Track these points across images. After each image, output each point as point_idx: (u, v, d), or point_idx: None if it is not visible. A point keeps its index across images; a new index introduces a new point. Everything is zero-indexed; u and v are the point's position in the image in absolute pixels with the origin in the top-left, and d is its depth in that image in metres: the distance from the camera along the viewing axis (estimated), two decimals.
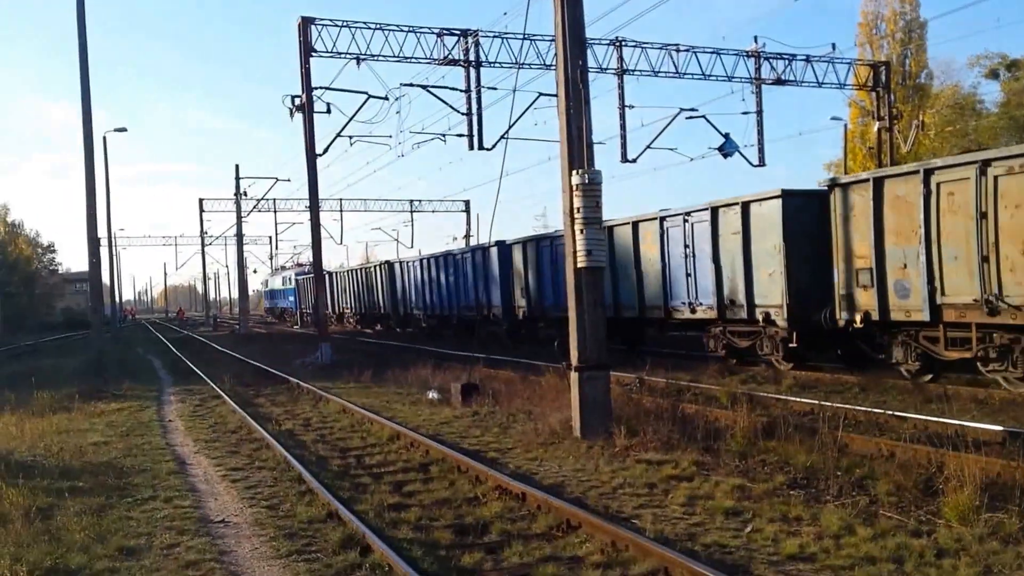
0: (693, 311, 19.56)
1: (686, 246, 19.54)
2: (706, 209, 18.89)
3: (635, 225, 21.34)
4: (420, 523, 7.59)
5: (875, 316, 15.29)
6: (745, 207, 17.84)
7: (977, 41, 77.83)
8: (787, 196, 17.18)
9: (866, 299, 15.46)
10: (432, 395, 15.85)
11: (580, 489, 8.62)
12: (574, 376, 11.24)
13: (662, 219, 20.33)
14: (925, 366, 15.10)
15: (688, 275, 19.56)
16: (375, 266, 44.59)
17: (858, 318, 15.63)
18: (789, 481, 8.39)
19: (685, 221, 19.55)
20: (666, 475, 8.84)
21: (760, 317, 17.60)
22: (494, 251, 28.74)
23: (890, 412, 11.58)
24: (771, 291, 17.32)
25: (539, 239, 26.70)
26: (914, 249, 14.48)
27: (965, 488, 7.09)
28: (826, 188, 16.36)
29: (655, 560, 6.18)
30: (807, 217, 16.96)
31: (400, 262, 40.26)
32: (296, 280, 65.38)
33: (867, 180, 15.48)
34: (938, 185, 14.09)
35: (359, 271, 46.89)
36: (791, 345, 17.27)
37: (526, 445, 11.00)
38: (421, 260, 36.66)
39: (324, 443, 12.09)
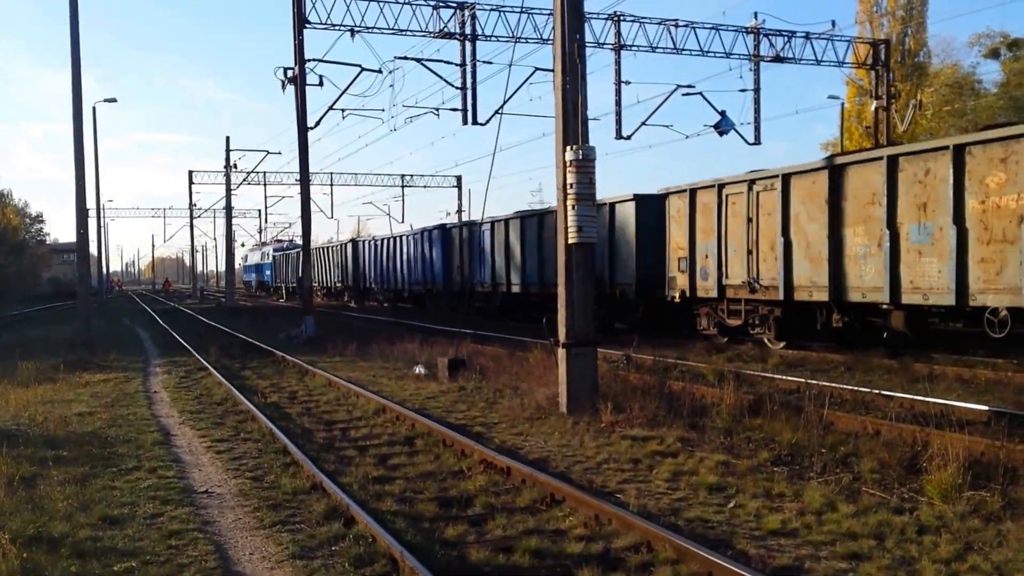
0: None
1: None
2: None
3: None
4: (404, 496, 7.59)
5: (688, 293, 20.00)
6: (612, 206, 22.74)
7: (979, 19, 77.74)
8: (639, 199, 22.03)
9: (683, 280, 20.09)
10: (419, 370, 15.84)
11: (565, 464, 8.63)
12: (561, 352, 11.24)
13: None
14: (721, 331, 19.59)
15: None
16: (341, 244, 49.27)
17: (677, 295, 20.38)
18: (773, 458, 8.43)
19: None
20: (651, 451, 8.87)
21: (618, 292, 22.67)
22: (436, 233, 34.31)
23: (876, 391, 11.64)
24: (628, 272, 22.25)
25: (471, 223, 31.93)
26: (712, 243, 19.04)
27: (948, 466, 7.14)
28: (663, 195, 20.91)
29: (638, 534, 6.20)
30: (653, 216, 21.39)
31: (361, 241, 45.04)
32: (273, 255, 68.72)
33: (685, 191, 19.97)
34: (727, 196, 18.69)
35: (330, 248, 50.39)
36: (638, 315, 22.23)
37: (512, 420, 11.01)
38: (375, 240, 41.89)
39: (309, 416, 12.08)
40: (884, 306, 15.23)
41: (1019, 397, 11.37)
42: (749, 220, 17.97)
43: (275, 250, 69.72)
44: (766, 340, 18.10)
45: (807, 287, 16.61)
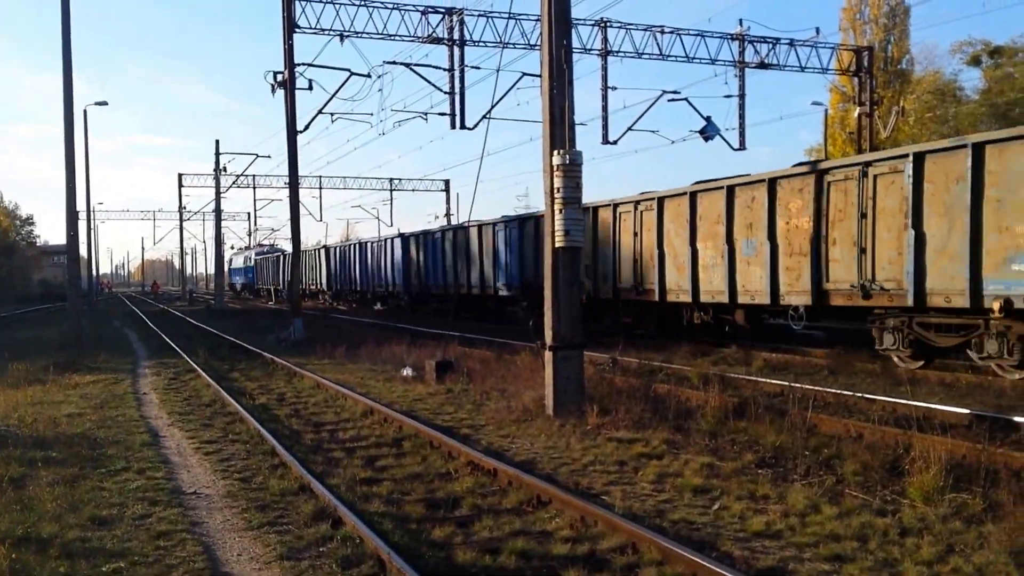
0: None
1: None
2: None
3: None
4: (392, 497, 7.63)
5: (592, 295, 21.90)
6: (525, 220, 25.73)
7: (961, 27, 78.35)
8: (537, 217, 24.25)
9: (588, 285, 21.63)
10: (407, 372, 15.88)
11: (551, 466, 8.69)
12: (548, 355, 11.31)
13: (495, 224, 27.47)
14: (617, 328, 21.29)
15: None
16: (315, 249, 52.60)
17: (583, 297, 21.26)
18: (757, 460, 8.50)
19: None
20: (636, 453, 8.94)
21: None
22: (397, 241, 37.28)
23: (859, 394, 11.74)
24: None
25: (427, 232, 34.58)
26: (610, 252, 21.45)
27: (930, 469, 7.21)
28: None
29: (624, 536, 6.26)
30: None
31: (332, 247, 48.56)
32: (255, 259, 72.18)
33: (588, 208, 21.34)
34: (620, 213, 21.06)
35: (305, 253, 52.82)
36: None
37: (499, 422, 11.06)
38: (342, 246, 45.76)
39: (298, 417, 12.11)
40: (727, 305, 18.18)
41: (999, 401, 11.49)
42: (635, 234, 20.65)
43: (257, 254, 72.91)
44: (647, 333, 21.07)
45: (675, 290, 19.44)
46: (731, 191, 17.63)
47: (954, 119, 41.65)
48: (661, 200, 19.77)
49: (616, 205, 21.29)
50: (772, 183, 16.61)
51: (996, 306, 12.57)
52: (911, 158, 13.85)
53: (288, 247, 66.24)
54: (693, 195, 18.77)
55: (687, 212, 18.84)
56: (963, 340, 13.81)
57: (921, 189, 13.69)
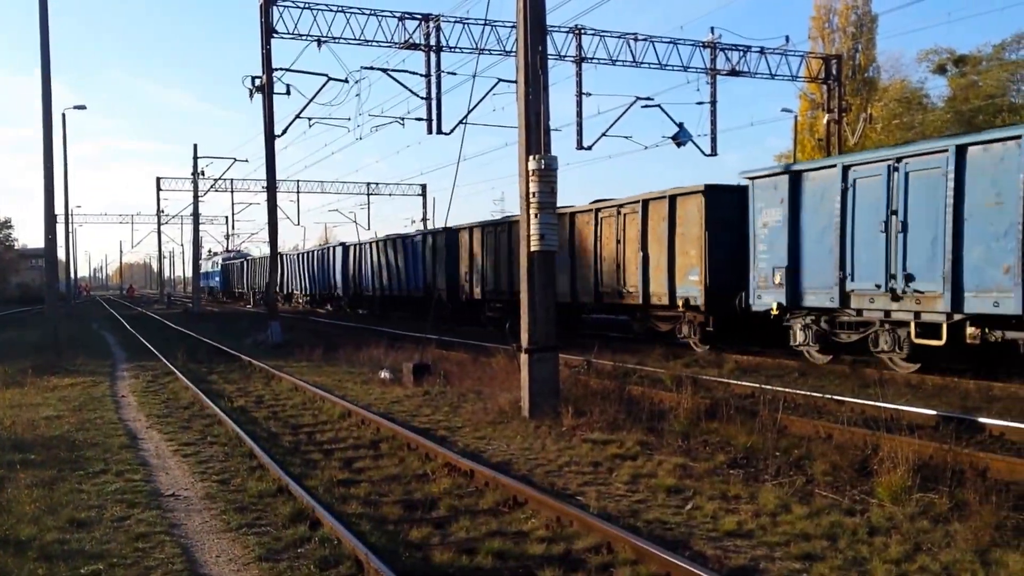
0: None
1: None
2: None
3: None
4: (370, 498, 7.68)
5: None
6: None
7: (927, 36, 79.42)
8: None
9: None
10: (384, 374, 15.92)
11: (527, 467, 8.77)
12: (524, 358, 11.40)
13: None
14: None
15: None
16: (292, 254, 55.45)
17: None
18: (729, 461, 8.62)
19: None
20: (611, 454, 9.03)
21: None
22: (338, 249, 42.35)
23: (828, 396, 11.91)
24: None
25: (361, 244, 38.97)
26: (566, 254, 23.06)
27: (898, 469, 7.33)
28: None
29: (598, 536, 6.33)
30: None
31: (286, 254, 52.67)
32: (223, 264, 78.41)
33: (563, 214, 22.65)
34: (601, 219, 22.16)
35: (283, 257, 55.30)
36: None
37: (475, 424, 11.14)
38: (294, 254, 50.88)
39: (276, 420, 12.13)
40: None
41: (965, 402, 11.69)
42: (610, 238, 22.49)
43: (224, 260, 79.16)
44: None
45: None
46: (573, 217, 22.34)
47: (921, 126, 42.22)
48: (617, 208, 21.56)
49: (564, 214, 22.72)
50: (597, 212, 22.04)
51: (681, 303, 18.97)
52: (640, 203, 20.15)
53: (259, 251, 73.31)
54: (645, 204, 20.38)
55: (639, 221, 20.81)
56: (671, 327, 20.06)
57: (647, 225, 20.04)
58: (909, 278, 13.92)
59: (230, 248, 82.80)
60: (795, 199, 16.06)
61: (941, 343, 13.59)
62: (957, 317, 13.28)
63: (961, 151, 13.15)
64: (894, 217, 14.13)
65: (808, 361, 16.08)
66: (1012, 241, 12.39)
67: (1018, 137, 12.46)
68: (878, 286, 14.46)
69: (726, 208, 18.34)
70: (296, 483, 7.94)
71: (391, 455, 9.49)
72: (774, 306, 16.39)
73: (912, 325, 14.01)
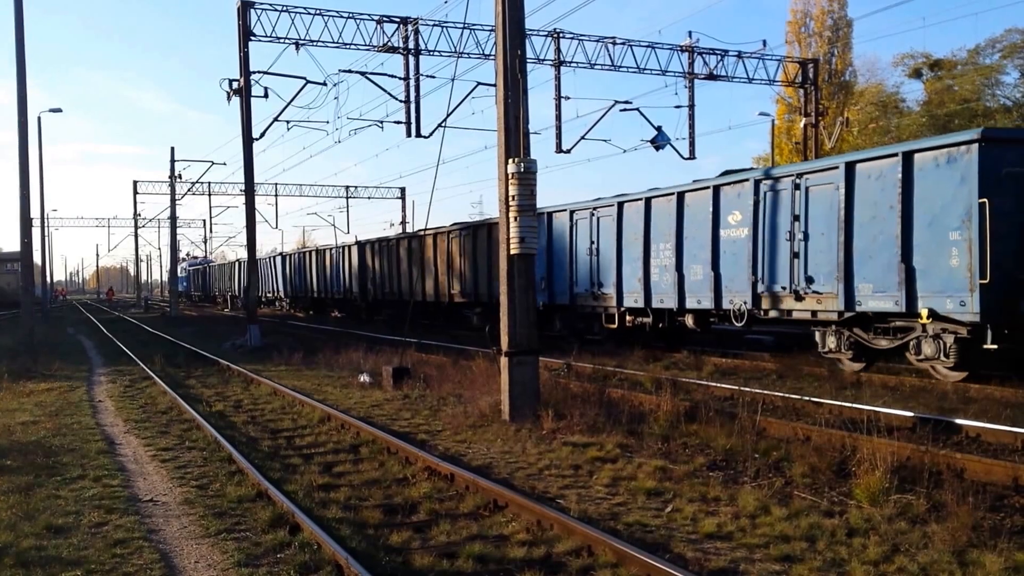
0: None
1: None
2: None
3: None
4: (349, 503, 7.66)
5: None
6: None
7: (903, 40, 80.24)
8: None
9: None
10: (364, 378, 15.88)
11: (507, 470, 8.77)
12: (504, 361, 11.40)
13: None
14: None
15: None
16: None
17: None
18: (709, 463, 8.66)
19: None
20: (591, 457, 9.04)
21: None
22: (295, 257, 44.19)
23: (807, 398, 11.97)
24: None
25: (319, 249, 40.54)
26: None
27: (876, 470, 7.38)
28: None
29: (579, 539, 6.33)
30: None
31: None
32: (188, 270, 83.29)
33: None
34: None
35: (226, 264, 58.49)
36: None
37: (456, 428, 11.12)
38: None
39: (255, 424, 12.07)
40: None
41: (942, 403, 11.76)
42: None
43: (189, 265, 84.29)
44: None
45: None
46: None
47: (896, 130, 42.58)
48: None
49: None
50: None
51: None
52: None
53: (235, 255, 77.10)
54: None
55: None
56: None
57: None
58: (810, 280, 15.23)
59: (208, 251, 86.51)
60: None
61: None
62: (848, 315, 14.60)
63: (850, 168, 14.48)
64: (796, 224, 15.44)
65: (786, 363, 16.19)
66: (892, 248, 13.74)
67: (895, 155, 13.77)
68: (784, 288, 15.74)
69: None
70: (275, 488, 7.91)
71: (371, 459, 9.46)
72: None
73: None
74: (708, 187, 17.54)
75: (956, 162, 12.93)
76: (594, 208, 21.14)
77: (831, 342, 15.38)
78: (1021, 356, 13.32)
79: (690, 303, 18.05)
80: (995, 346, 12.79)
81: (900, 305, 13.61)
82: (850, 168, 14.48)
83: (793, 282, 15.51)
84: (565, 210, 22.25)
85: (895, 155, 13.80)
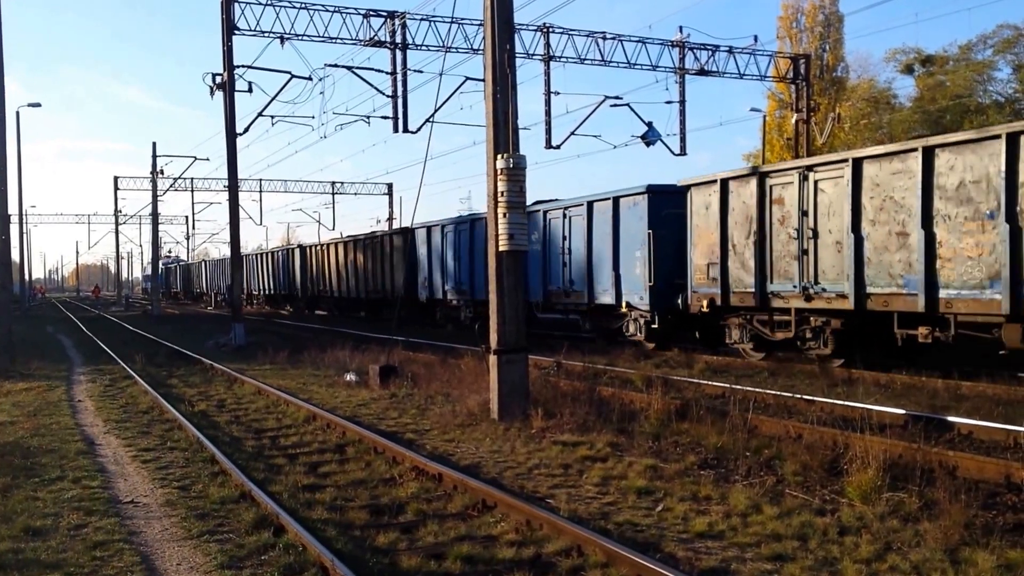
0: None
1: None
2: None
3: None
4: (335, 504, 7.55)
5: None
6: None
7: (894, 36, 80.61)
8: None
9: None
10: (350, 377, 15.76)
11: (496, 470, 8.68)
12: (493, 359, 11.30)
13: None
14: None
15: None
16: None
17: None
18: (700, 462, 8.60)
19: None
20: (581, 456, 8.97)
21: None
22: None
23: (798, 395, 11.94)
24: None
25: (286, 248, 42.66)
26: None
27: (868, 468, 7.34)
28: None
29: (569, 538, 6.26)
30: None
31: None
32: (165, 267, 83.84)
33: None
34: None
35: (197, 263, 61.26)
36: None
37: (443, 427, 11.03)
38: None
39: (238, 424, 11.93)
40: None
41: (933, 401, 11.75)
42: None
43: (163, 263, 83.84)
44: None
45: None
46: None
47: (888, 126, 42.72)
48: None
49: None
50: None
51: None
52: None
53: (219, 252, 78.53)
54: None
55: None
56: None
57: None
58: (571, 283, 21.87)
59: (191, 247, 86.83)
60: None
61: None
62: (623, 310, 20.06)
63: (590, 205, 21.05)
64: (564, 242, 21.97)
65: (778, 361, 16.16)
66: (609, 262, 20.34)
67: (610, 199, 20.21)
68: (558, 287, 22.45)
69: None
70: (259, 489, 7.80)
71: (357, 459, 9.36)
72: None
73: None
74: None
75: (638, 206, 19.47)
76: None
77: (584, 324, 22.49)
78: (674, 331, 19.65)
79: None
80: (658, 327, 19.34)
81: (614, 299, 20.23)
82: (590, 205, 20.97)
83: (563, 284, 22.19)
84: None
85: (610, 199, 20.27)
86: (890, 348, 14.84)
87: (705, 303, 17.58)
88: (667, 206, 18.82)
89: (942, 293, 13.26)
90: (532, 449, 9.48)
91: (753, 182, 16.49)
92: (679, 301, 18.48)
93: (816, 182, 15.31)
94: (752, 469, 8.16)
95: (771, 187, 16.18)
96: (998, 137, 12.56)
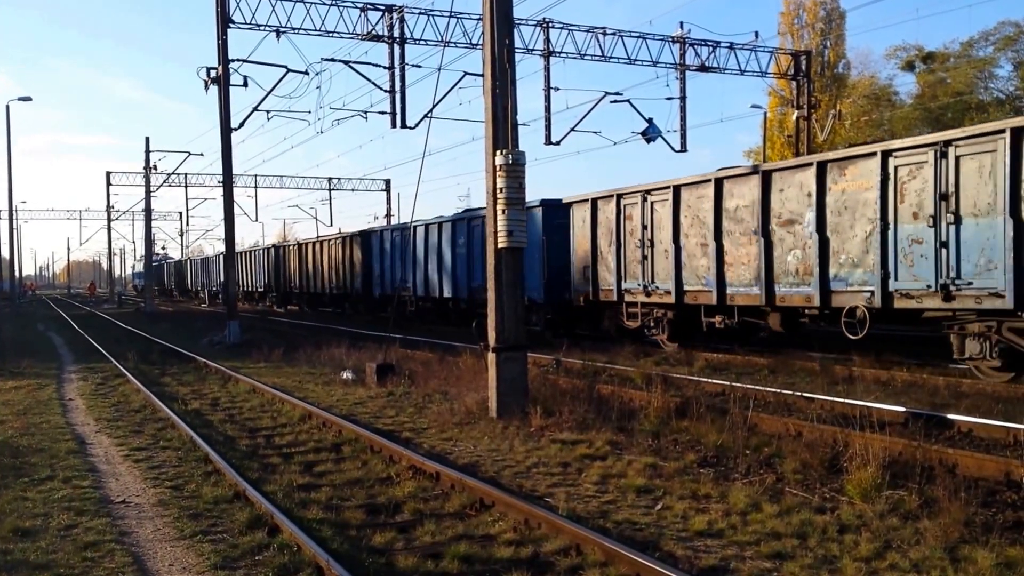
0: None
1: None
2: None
3: None
4: (331, 503, 7.48)
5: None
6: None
7: (896, 32, 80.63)
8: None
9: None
10: (346, 375, 15.68)
11: (494, 468, 8.62)
12: (491, 357, 11.24)
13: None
14: None
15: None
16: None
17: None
18: (700, 460, 8.55)
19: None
20: (580, 454, 8.91)
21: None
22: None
23: (798, 393, 11.89)
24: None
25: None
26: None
27: (868, 466, 7.30)
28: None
29: (568, 538, 6.21)
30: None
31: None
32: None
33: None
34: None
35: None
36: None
37: (441, 425, 10.96)
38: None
39: (232, 423, 11.84)
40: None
41: (934, 399, 11.74)
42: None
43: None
44: None
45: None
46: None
47: (889, 123, 42.67)
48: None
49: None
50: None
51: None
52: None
53: (212, 249, 79.61)
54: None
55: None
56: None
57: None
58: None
59: (184, 244, 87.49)
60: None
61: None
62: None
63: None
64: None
65: (778, 358, 16.15)
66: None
67: (538, 206, 22.33)
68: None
69: None
70: (253, 488, 7.71)
71: (354, 458, 9.28)
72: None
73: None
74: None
75: (535, 216, 21.95)
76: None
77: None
78: (566, 321, 22.43)
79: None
80: (551, 316, 22.70)
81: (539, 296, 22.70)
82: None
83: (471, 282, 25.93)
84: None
85: (536, 206, 22.36)
86: (700, 333, 18.67)
87: (583, 298, 21.38)
88: (557, 217, 22.50)
89: (728, 290, 17.23)
90: (531, 447, 9.42)
91: (613, 202, 20.20)
92: (568, 296, 22.12)
93: (652, 203, 19.11)
94: (752, 467, 8.10)
95: (625, 206, 19.95)
96: (756, 172, 16.64)
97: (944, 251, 13.16)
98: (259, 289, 51.66)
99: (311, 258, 41.61)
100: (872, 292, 14.32)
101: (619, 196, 20.00)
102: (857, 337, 14.57)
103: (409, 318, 29.99)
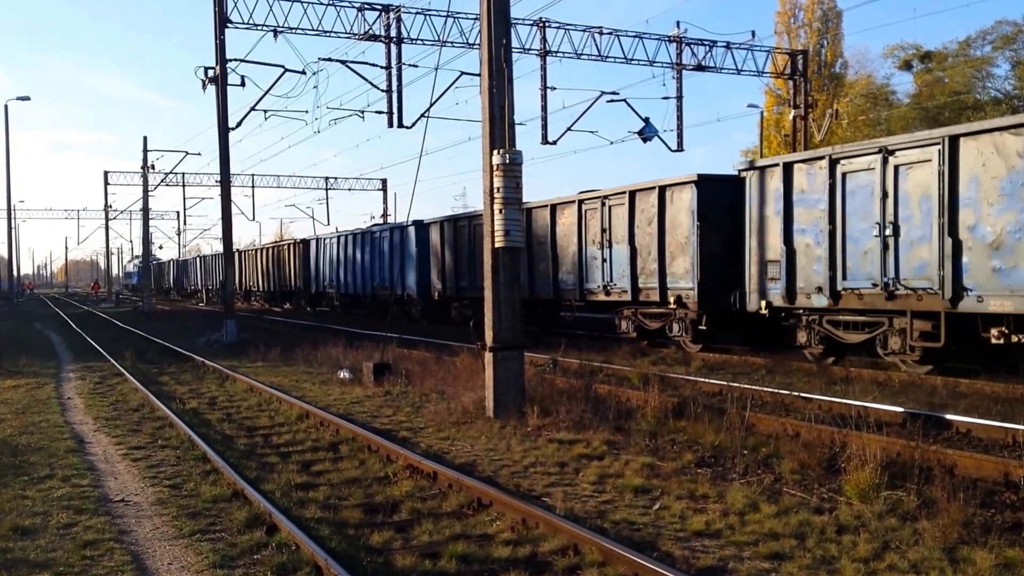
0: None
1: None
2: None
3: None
4: (329, 502, 7.49)
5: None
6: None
7: (893, 31, 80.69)
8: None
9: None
10: (343, 374, 15.67)
11: (492, 468, 8.62)
12: (488, 356, 11.24)
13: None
14: None
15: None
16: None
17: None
18: (697, 460, 8.55)
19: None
20: (577, 454, 8.91)
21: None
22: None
23: (796, 393, 11.90)
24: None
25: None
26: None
27: (866, 467, 7.29)
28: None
29: (565, 537, 6.21)
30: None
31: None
32: (139, 266, 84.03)
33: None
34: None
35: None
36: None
37: (438, 424, 10.95)
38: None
39: (230, 422, 11.83)
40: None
41: (932, 399, 11.75)
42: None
43: (141, 262, 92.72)
44: None
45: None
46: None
47: (886, 122, 42.67)
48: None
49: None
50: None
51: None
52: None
53: (210, 248, 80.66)
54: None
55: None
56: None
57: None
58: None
59: (182, 243, 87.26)
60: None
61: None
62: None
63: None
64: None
65: (776, 358, 16.14)
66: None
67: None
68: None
69: None
70: (252, 487, 7.72)
71: (351, 457, 9.28)
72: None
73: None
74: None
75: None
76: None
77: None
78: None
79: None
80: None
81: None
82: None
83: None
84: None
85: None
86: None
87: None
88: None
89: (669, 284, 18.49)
90: (528, 447, 9.41)
91: (574, 206, 21.28)
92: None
93: (610, 207, 20.10)
94: (750, 467, 8.10)
95: (585, 211, 20.96)
96: (653, 189, 18.55)
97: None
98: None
99: (262, 261, 49.51)
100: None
101: (580, 202, 21.21)
102: None
103: (337, 310, 37.22)
